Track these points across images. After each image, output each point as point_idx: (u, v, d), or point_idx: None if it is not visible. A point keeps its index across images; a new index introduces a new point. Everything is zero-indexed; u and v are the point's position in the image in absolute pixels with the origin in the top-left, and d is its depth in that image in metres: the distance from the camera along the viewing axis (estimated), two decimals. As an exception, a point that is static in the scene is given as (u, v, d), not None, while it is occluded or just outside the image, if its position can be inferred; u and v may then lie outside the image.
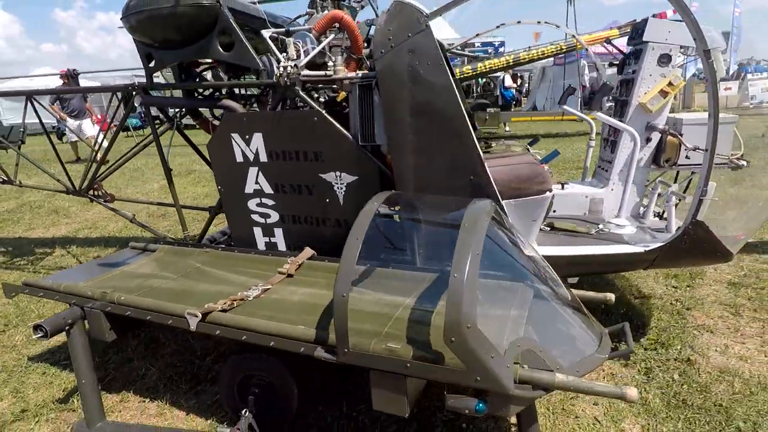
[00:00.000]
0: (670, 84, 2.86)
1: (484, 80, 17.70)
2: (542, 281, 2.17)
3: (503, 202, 2.48)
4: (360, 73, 2.74)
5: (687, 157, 2.94)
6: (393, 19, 2.49)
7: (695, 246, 2.53)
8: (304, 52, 2.82)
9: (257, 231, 3.18)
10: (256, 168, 2.98)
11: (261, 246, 3.22)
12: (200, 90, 3.49)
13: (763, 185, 3.39)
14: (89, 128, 11.07)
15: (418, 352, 1.73)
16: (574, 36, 3.96)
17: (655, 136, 3.00)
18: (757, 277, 3.90)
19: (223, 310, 2.29)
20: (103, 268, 3.04)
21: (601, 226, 3.00)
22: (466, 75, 11.66)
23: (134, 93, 3.31)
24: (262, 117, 2.93)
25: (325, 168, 2.81)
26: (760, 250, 4.34)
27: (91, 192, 4.03)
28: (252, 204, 3.11)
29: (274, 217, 3.09)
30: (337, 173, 2.79)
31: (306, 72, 2.78)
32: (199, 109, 3.58)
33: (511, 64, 11.27)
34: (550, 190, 2.56)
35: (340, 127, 2.70)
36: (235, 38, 2.80)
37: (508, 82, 19.29)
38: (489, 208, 1.94)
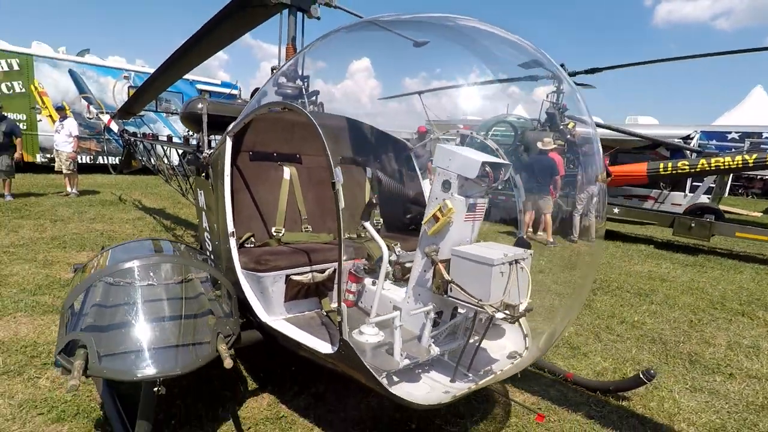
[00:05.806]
0: (440, 210, 2.80)
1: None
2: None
3: (241, 272, 3.11)
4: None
5: (450, 290, 2.78)
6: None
7: (353, 364, 2.42)
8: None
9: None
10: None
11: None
12: None
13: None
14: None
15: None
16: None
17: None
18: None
19: None
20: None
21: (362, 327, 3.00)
22: (681, 170, 10.37)
23: None
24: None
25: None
26: None
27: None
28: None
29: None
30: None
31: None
32: None
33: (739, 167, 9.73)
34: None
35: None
36: None
37: None
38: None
